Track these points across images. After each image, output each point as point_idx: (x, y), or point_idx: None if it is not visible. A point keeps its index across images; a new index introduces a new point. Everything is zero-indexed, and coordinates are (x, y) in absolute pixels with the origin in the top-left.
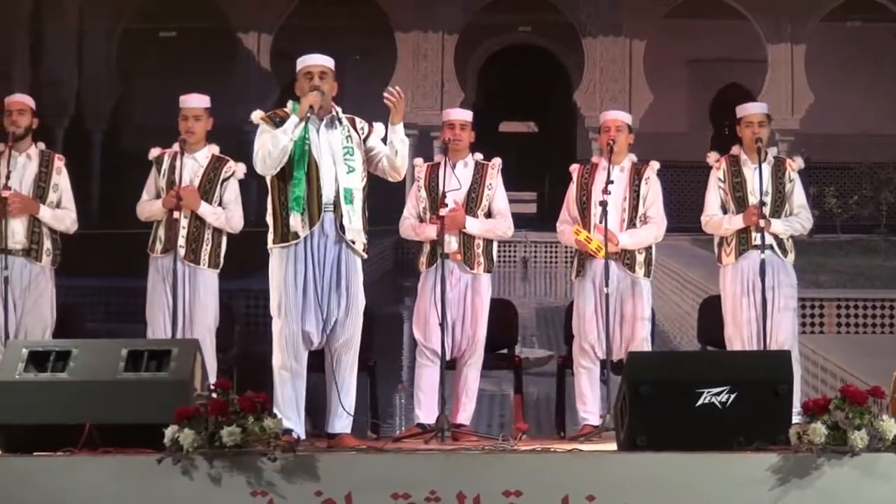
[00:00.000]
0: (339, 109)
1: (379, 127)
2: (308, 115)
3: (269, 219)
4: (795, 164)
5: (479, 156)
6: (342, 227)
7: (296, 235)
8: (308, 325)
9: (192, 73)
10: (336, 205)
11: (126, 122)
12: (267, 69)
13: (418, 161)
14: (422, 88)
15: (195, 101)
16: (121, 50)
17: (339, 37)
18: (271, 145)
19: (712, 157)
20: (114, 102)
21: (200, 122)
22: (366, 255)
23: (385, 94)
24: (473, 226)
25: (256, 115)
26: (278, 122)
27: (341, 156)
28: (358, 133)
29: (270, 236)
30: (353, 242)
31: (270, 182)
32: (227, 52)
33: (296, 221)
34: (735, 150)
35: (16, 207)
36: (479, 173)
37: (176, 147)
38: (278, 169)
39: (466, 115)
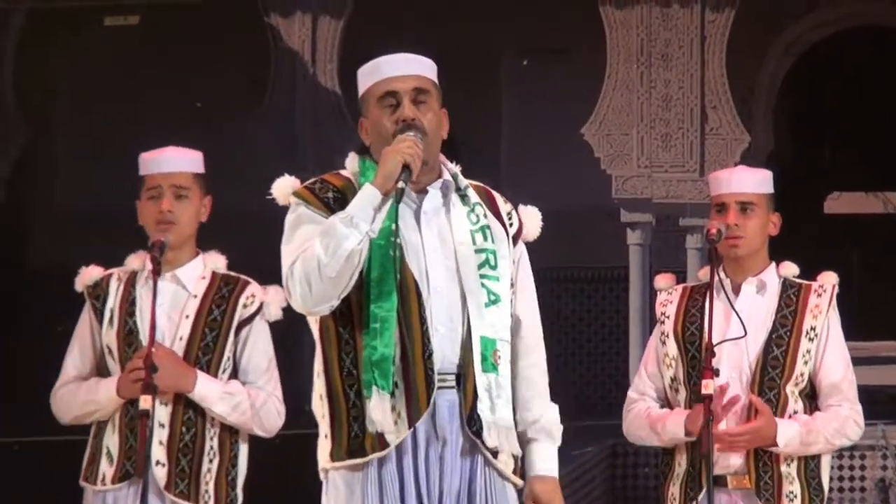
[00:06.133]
0: (455, 170)
1: (531, 216)
2: (401, 186)
3: (321, 407)
4: None
5: (789, 268)
6: (476, 424)
7: (381, 442)
8: None
9: (175, 104)
10: (463, 375)
11: (41, 206)
12: (333, 89)
13: (664, 281)
14: (660, 124)
15: (175, 161)
16: (25, 51)
17: (479, 23)
18: (324, 250)
19: None
20: (11, 162)
21: (187, 204)
22: (521, 482)
23: None
24: (793, 440)
25: (286, 187)
26: (332, 200)
27: (474, 267)
28: (504, 222)
29: (325, 445)
30: (497, 455)
31: (321, 329)
32: (248, 57)
33: (381, 412)
34: None
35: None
36: (790, 304)
37: (135, 263)
38: (338, 301)
39: (758, 184)
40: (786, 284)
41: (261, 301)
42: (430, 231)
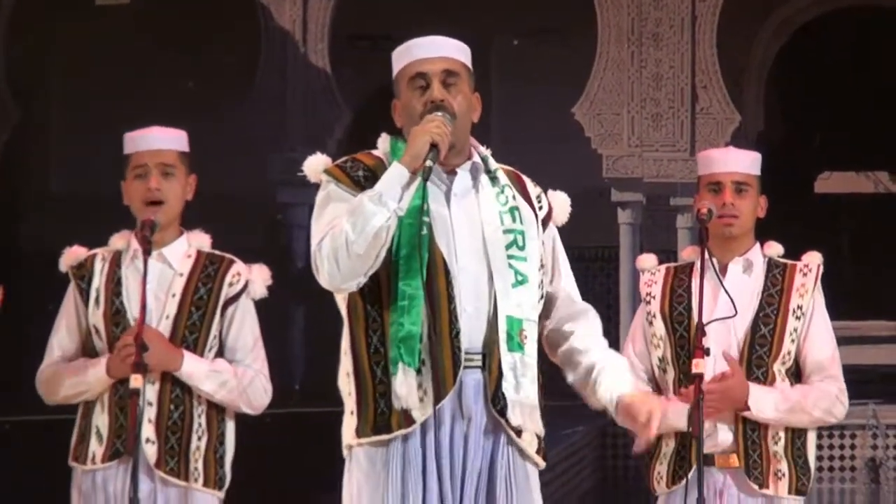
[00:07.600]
0: (485, 153)
1: (560, 201)
2: (429, 164)
3: (348, 384)
4: None
5: (774, 248)
6: (500, 402)
7: (406, 419)
8: None
9: (167, 84)
10: (488, 354)
11: (33, 188)
12: (324, 69)
13: (647, 261)
14: (650, 104)
15: (161, 139)
16: (15, 32)
17: (470, 3)
18: (352, 227)
19: None
20: (2, 143)
21: (173, 182)
22: (543, 463)
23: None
24: (766, 405)
25: (317, 164)
26: (362, 179)
27: (502, 247)
28: (534, 205)
29: (350, 421)
30: (520, 434)
31: (349, 307)
32: (239, 36)
33: (406, 389)
34: None
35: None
36: (776, 283)
37: (119, 242)
38: (365, 278)
39: (751, 165)
40: (771, 264)
41: (246, 279)
42: (459, 211)
